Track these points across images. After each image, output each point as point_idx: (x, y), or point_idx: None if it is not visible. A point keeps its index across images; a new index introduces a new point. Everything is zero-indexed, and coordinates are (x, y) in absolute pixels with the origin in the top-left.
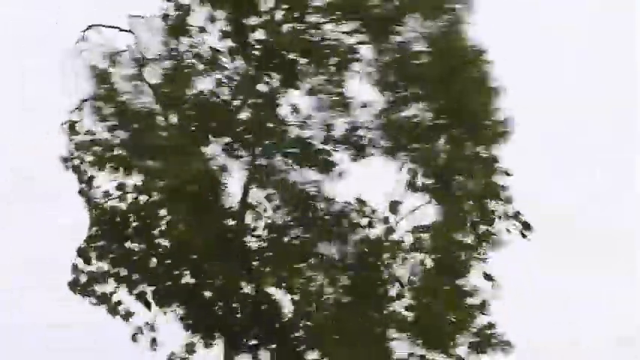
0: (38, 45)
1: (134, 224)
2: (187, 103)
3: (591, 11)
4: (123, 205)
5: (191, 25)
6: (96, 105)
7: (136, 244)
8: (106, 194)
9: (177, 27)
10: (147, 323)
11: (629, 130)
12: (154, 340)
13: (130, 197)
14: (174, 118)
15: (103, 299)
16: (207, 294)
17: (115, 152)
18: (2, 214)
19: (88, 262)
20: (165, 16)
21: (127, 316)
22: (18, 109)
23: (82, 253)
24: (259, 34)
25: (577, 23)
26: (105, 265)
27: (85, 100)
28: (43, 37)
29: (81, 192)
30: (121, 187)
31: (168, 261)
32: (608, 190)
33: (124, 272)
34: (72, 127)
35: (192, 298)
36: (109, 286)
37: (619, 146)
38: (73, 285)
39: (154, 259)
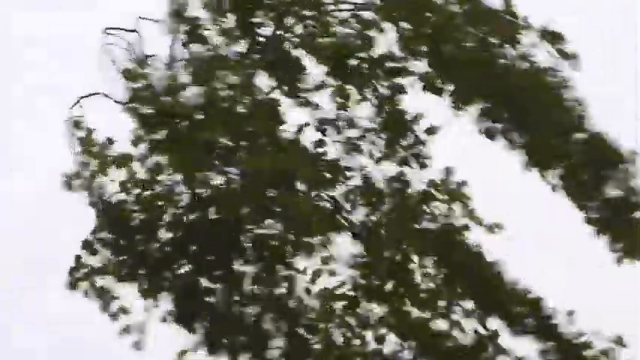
0: (38, 45)
1: (139, 217)
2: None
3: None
4: (129, 199)
5: (206, 29)
6: (131, 106)
7: (140, 237)
8: (114, 188)
9: (192, 32)
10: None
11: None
12: (137, 343)
13: (135, 191)
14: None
15: (100, 293)
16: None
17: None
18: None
19: (93, 254)
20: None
21: (117, 314)
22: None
23: (86, 245)
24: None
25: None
26: (108, 258)
27: (84, 97)
28: (43, 38)
29: (88, 188)
30: (125, 183)
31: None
32: None
33: (126, 266)
34: (76, 124)
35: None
36: (109, 281)
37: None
38: (71, 277)
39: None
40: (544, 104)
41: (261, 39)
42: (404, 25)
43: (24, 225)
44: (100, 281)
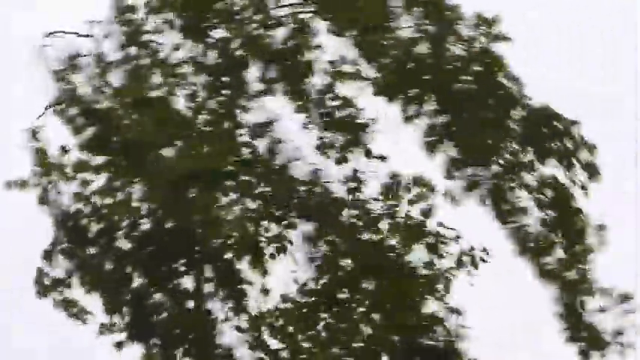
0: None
1: (96, 227)
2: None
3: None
4: (86, 209)
5: (147, 32)
6: (60, 108)
7: (97, 248)
8: (70, 198)
9: (133, 34)
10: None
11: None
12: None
13: (93, 200)
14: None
15: (66, 304)
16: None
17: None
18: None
19: (53, 265)
20: (120, 22)
21: (85, 319)
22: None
23: (46, 256)
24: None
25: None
26: (69, 269)
27: (51, 106)
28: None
29: (43, 199)
30: (81, 192)
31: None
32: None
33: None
34: (34, 133)
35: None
36: (74, 291)
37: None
38: (38, 287)
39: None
40: (482, 85)
41: (211, 40)
42: (340, 21)
43: (24, 225)
44: (65, 292)
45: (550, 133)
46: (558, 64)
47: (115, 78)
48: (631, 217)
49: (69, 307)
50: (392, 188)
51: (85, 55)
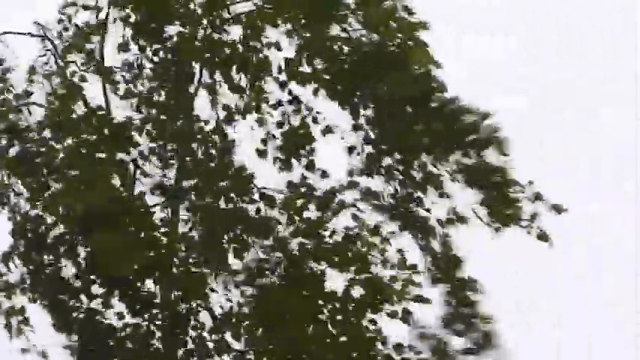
0: None
1: (54, 234)
2: (77, 122)
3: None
4: (46, 214)
5: (90, 42)
6: None
7: (53, 256)
8: (27, 202)
9: (75, 44)
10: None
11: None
12: None
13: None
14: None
15: (9, 311)
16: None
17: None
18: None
19: (9, 269)
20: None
21: (19, 332)
22: None
23: (4, 259)
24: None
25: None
26: (23, 275)
27: (23, 105)
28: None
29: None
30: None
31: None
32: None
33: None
34: None
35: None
36: (19, 300)
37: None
38: None
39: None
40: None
41: (165, 37)
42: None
43: None
44: (13, 299)
45: (460, 128)
46: (558, 63)
47: (47, 90)
48: (631, 217)
49: (11, 315)
50: (326, 203)
51: (13, 68)
